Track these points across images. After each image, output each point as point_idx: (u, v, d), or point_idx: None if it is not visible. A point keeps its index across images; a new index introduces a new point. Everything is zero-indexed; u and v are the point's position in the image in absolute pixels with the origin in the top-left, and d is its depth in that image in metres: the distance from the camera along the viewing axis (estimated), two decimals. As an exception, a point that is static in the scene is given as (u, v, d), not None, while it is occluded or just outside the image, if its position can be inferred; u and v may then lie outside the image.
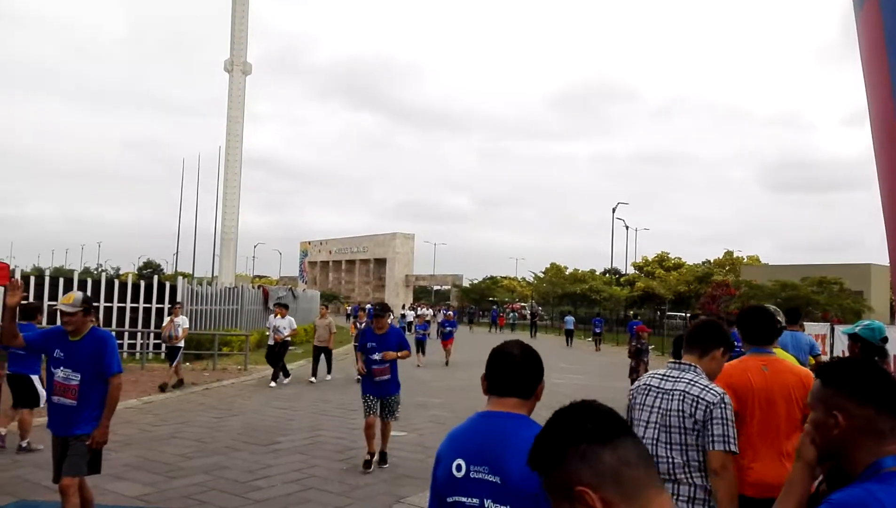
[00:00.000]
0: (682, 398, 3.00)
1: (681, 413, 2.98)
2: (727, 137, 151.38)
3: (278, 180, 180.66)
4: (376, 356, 7.58)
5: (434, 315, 37.80)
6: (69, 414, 4.65)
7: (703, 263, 51.93)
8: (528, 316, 45.20)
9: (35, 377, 8.02)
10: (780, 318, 3.99)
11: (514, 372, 2.12)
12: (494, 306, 51.84)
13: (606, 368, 21.28)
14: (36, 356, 8.00)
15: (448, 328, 21.61)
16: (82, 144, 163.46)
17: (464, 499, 2.01)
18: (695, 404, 2.95)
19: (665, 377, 3.12)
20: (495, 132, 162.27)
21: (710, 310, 35.35)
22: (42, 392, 8.00)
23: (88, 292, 16.49)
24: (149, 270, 71.20)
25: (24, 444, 7.81)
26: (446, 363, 20.07)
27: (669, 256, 52.42)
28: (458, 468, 2.04)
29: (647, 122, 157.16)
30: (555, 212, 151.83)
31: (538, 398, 2.14)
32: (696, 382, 3.04)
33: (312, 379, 14.77)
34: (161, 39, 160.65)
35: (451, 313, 27.26)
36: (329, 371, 15.66)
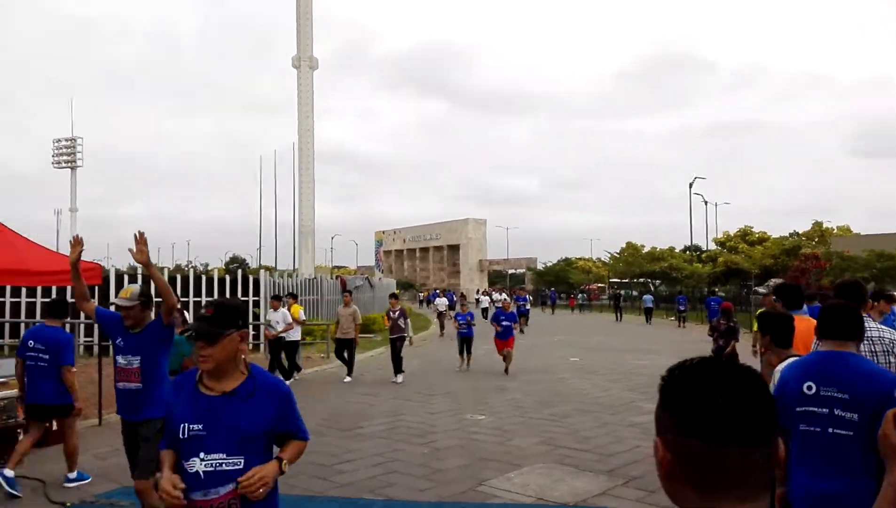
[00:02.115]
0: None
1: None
2: (809, 104, 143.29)
3: (352, 173, 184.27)
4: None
5: (493, 302, 30.63)
6: (135, 398, 4.60)
7: (791, 235, 49.31)
8: (613, 298, 42.42)
9: None
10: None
11: (848, 323, 2.99)
12: (552, 289, 51.61)
13: (691, 348, 20.58)
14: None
15: (505, 323, 14.18)
16: (164, 145, 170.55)
17: (814, 409, 2.87)
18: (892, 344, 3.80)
19: (881, 328, 3.92)
20: (564, 111, 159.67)
21: (799, 284, 33.67)
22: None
23: (178, 288, 17.31)
24: (234, 264, 74.09)
25: None
26: (505, 371, 13.87)
27: (753, 230, 50.18)
28: (809, 388, 2.89)
29: (721, 93, 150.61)
30: (629, 190, 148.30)
31: (862, 340, 3.08)
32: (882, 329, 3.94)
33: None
34: (232, 38, 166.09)
35: (506, 298, 18.45)
36: (350, 372, 13.25)
